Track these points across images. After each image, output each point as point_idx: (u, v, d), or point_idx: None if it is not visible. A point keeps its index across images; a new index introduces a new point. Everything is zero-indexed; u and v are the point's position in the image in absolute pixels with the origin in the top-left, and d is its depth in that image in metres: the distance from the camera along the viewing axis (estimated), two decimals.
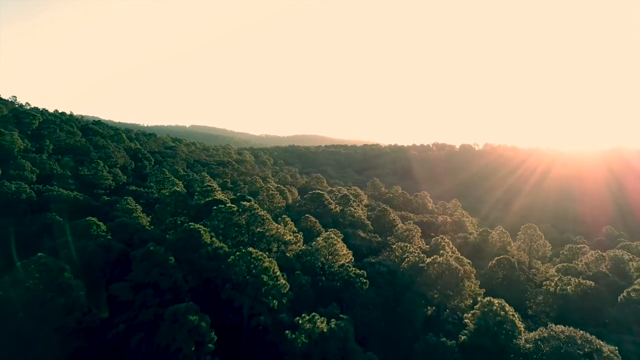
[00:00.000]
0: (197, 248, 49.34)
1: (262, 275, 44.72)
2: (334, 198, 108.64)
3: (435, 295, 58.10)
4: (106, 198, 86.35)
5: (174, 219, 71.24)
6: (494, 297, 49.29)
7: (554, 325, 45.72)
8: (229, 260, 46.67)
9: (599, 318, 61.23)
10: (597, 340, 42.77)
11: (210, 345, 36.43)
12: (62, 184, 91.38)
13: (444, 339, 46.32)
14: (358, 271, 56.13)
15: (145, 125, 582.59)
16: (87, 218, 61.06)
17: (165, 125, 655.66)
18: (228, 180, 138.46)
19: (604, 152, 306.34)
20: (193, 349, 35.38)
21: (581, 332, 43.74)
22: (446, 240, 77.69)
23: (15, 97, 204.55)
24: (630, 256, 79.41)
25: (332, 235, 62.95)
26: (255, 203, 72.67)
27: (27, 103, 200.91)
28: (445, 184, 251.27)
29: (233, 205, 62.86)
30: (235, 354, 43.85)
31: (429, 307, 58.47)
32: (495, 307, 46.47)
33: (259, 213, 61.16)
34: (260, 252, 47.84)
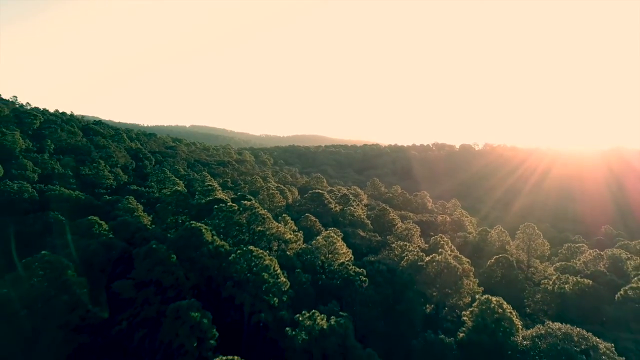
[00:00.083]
0: (199, 246, 49.89)
1: (263, 273, 45.28)
2: (333, 197, 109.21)
3: (434, 294, 58.69)
4: (107, 197, 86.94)
5: (175, 218, 71.80)
6: (492, 296, 49.83)
7: (551, 323, 46.30)
8: (230, 258, 47.24)
9: (597, 316, 61.84)
10: (594, 338, 43.32)
11: (212, 342, 37.00)
12: (64, 183, 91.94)
13: (442, 336, 46.83)
14: (358, 269, 56.63)
15: (145, 125, 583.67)
16: (89, 217, 61.73)
17: (165, 125, 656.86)
18: (228, 179, 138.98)
19: (604, 152, 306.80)
20: (195, 345, 35.95)
21: (578, 329, 44.29)
22: (445, 239, 78.25)
23: (16, 97, 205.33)
24: (628, 255, 79.98)
25: (332, 234, 63.51)
26: (256, 202, 73.28)
27: (27, 103, 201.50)
28: (445, 184, 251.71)
29: (234, 205, 63.47)
30: (236, 350, 44.30)
31: (428, 305, 59.07)
32: (493, 305, 46.99)
33: (260, 212, 61.73)
34: (261, 251, 48.40)
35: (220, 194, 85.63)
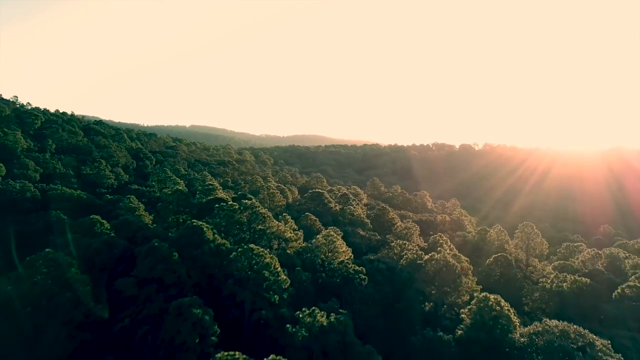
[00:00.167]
0: (200, 244, 50.44)
1: (264, 271, 45.81)
2: (333, 197, 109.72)
3: (433, 292, 59.21)
4: (109, 197, 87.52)
5: (176, 217, 72.35)
6: (491, 294, 50.32)
7: (548, 320, 46.81)
8: (231, 256, 47.78)
9: (595, 314, 62.30)
10: (590, 335, 43.83)
11: (213, 338, 37.52)
12: (65, 183, 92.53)
13: (441, 333, 47.38)
14: (357, 268, 57.18)
15: (146, 125, 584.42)
16: (91, 216, 62.28)
17: (165, 125, 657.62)
18: (229, 179, 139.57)
19: (604, 152, 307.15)
20: (197, 341, 36.47)
21: (574, 326, 44.78)
22: (444, 238, 78.72)
23: (17, 97, 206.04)
24: (626, 254, 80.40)
25: (332, 233, 64.01)
26: (256, 201, 73.80)
27: (28, 103, 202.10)
28: (445, 184, 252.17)
29: (234, 204, 64.03)
30: (237, 347, 44.77)
31: (427, 303, 59.57)
32: (491, 303, 47.48)
33: (260, 211, 62.30)
34: (262, 249, 48.92)
35: (221, 194, 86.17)
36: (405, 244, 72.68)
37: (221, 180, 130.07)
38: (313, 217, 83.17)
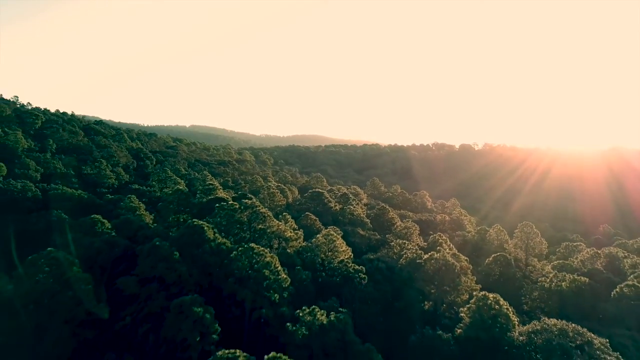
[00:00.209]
0: (201, 244, 50.73)
1: (264, 270, 46.12)
2: (333, 197, 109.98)
3: (433, 291, 59.48)
4: (110, 196, 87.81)
5: (176, 216, 72.66)
6: (490, 293, 50.54)
7: (546, 319, 47.08)
8: (231, 255, 48.09)
9: (594, 313, 62.60)
10: (589, 333, 44.09)
11: (214, 336, 37.83)
12: (66, 182, 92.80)
13: (440, 332, 47.66)
14: (357, 267, 57.51)
15: (146, 125, 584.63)
16: (92, 215, 62.59)
17: (165, 125, 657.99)
18: (229, 179, 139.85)
19: (604, 152, 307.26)
20: (198, 339, 36.78)
21: (573, 325, 45.03)
22: (444, 237, 78.97)
23: (17, 97, 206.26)
24: (625, 254, 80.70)
25: (332, 233, 64.31)
26: (257, 201, 74.10)
27: (28, 103, 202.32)
28: (445, 184, 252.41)
29: (235, 203, 64.34)
30: (238, 346, 45.04)
31: (426, 302, 59.83)
32: (490, 301, 47.76)
33: (261, 210, 62.60)
34: (262, 248, 49.25)
35: (222, 193, 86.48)
36: (404, 243, 72.96)
37: (221, 180, 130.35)
38: (313, 217, 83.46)
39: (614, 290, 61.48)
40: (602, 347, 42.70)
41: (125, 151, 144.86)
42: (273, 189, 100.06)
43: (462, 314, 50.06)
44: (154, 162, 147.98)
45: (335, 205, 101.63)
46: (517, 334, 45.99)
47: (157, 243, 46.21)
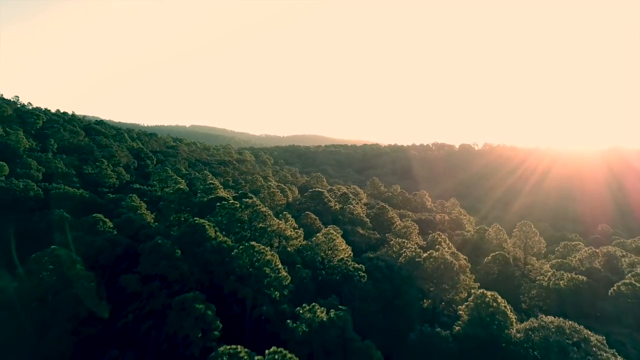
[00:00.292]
0: (202, 242, 51.25)
1: (265, 268, 46.63)
2: (333, 196, 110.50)
3: (432, 289, 59.98)
4: (111, 196, 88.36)
5: (178, 215, 73.19)
6: (488, 291, 51.02)
7: (544, 316, 47.58)
8: (232, 253, 48.58)
9: (591, 311, 63.05)
10: (585, 330, 44.59)
11: (216, 333, 38.37)
12: (67, 182, 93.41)
13: (439, 329, 48.15)
14: (357, 265, 58.02)
15: (146, 125, 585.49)
16: (94, 215, 63.13)
17: (165, 125, 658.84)
18: (229, 179, 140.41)
19: (604, 152, 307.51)
20: (200, 335, 37.29)
21: (570, 322, 45.54)
22: (443, 236, 79.48)
23: (18, 97, 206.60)
24: (623, 252, 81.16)
25: (332, 231, 64.83)
26: (257, 200, 74.60)
27: (29, 103, 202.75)
28: (445, 184, 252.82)
29: (236, 202, 64.86)
30: (239, 343, 45.56)
31: (425, 300, 60.35)
32: (487, 299, 48.25)
33: (261, 209, 63.10)
34: (263, 246, 49.73)
35: (222, 192, 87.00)
36: (404, 242, 73.48)
37: (222, 180, 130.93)
38: (313, 216, 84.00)
39: (612, 289, 61.93)
40: (598, 344, 43.19)
41: (126, 151, 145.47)
42: (273, 188, 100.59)
43: (460, 312, 50.57)
44: (155, 162, 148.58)
45: (335, 205, 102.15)
46: (514, 331, 46.48)
47: (159, 241, 46.74)
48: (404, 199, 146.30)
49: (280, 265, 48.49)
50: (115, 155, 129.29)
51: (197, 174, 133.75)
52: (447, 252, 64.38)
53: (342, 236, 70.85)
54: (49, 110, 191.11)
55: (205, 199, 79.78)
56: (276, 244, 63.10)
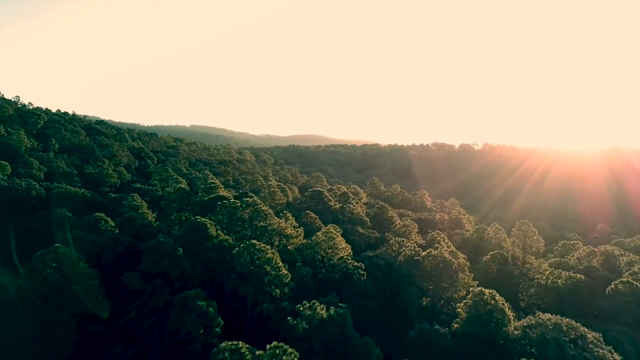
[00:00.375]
0: (203, 240, 51.80)
1: (265, 266, 47.17)
2: (333, 196, 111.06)
3: (431, 287, 60.52)
4: (112, 195, 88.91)
5: (179, 214, 73.75)
6: (486, 289, 51.53)
7: (541, 314, 48.14)
8: (233, 252, 49.15)
9: (589, 309, 63.54)
10: (582, 328, 45.14)
11: (217, 329, 38.90)
12: (69, 181, 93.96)
13: (438, 326, 48.70)
14: (356, 264, 58.55)
15: (146, 125, 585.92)
16: (96, 214, 63.69)
17: (165, 125, 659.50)
18: (230, 178, 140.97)
19: (604, 152, 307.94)
20: (202, 332, 37.83)
21: (567, 319, 46.09)
22: (442, 235, 79.98)
23: (19, 97, 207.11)
24: (621, 251, 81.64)
25: (332, 230, 65.35)
26: (258, 199, 75.16)
27: (30, 103, 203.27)
28: (445, 184, 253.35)
29: (236, 201, 65.41)
30: (240, 340, 46.12)
31: (424, 298, 60.88)
32: (486, 297, 48.82)
33: (262, 208, 63.67)
34: (263, 245, 50.29)
35: (223, 192, 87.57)
36: (403, 241, 74.04)
37: (222, 179, 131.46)
38: (313, 215, 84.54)
39: (609, 287, 62.40)
40: (595, 340, 43.74)
41: (126, 151, 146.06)
42: (274, 187, 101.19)
43: (459, 310, 51.10)
44: (155, 162, 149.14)
45: (335, 204, 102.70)
46: (512, 328, 47.06)
47: (161, 239, 47.30)
48: (403, 199, 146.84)
49: (280, 264, 49.03)
50: (116, 155, 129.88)
51: (197, 173, 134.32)
52: (446, 250, 64.90)
53: (342, 235, 71.41)
54: (50, 110, 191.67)
55: (206, 198, 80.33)
56: (277, 243, 63.65)
